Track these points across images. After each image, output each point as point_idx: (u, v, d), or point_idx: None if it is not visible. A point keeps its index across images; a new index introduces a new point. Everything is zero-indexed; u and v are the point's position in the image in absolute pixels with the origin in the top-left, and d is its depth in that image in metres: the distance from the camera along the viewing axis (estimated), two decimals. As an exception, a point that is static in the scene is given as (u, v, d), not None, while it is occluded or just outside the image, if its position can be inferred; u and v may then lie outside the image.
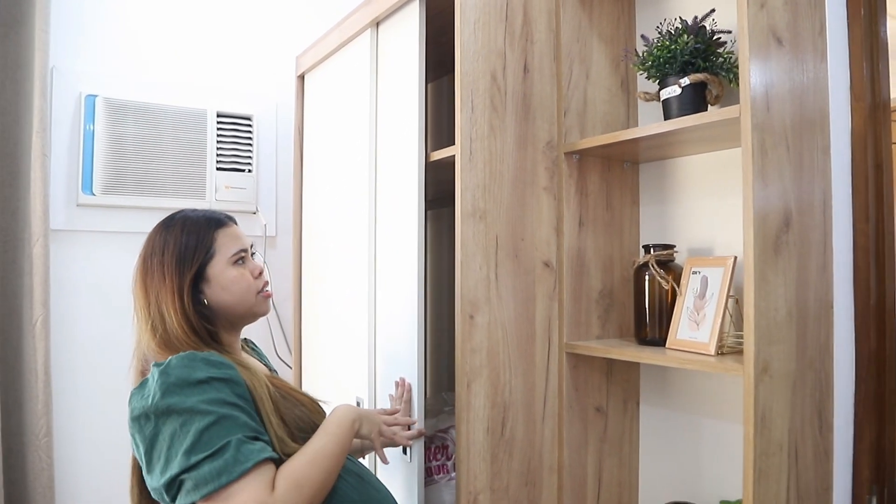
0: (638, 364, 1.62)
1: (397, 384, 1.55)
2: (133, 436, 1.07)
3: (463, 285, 1.38)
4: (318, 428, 1.18)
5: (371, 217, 1.73)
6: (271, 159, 2.50)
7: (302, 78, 2.22)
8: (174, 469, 0.99)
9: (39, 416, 2.09)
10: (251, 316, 1.29)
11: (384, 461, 1.36)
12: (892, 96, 1.39)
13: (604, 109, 1.58)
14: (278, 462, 1.05)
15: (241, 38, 2.48)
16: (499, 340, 1.43)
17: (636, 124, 1.63)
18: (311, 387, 2.10)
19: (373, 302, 1.72)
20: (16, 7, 2.12)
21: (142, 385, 1.09)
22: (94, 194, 2.20)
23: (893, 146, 1.43)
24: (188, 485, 0.99)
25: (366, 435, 1.29)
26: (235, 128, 2.39)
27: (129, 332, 2.20)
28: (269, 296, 1.30)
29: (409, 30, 1.58)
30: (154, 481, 1.03)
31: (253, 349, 1.49)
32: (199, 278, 1.21)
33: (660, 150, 1.52)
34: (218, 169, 2.35)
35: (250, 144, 2.42)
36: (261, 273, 1.29)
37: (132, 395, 1.10)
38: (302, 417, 1.20)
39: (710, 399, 1.48)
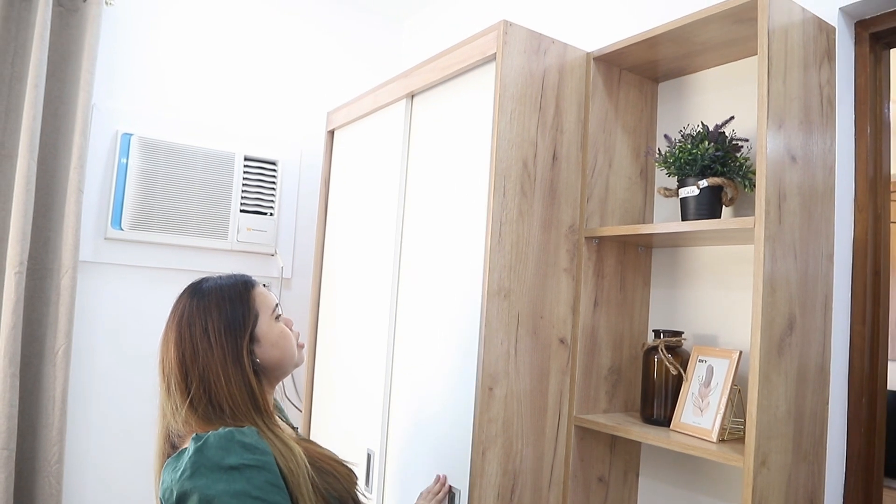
0: (640, 438, 1.70)
1: (438, 477, 1.59)
2: (161, 502, 1.08)
3: (485, 359, 1.47)
4: (352, 501, 1.20)
5: (395, 272, 1.83)
6: (292, 204, 2.59)
7: (332, 133, 2.32)
8: None
9: (53, 443, 2.14)
10: (292, 367, 1.29)
11: None
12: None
13: (623, 196, 1.69)
14: None
15: (272, 87, 2.59)
16: (514, 411, 1.51)
17: (652, 212, 1.74)
18: (319, 431, 2.17)
19: (391, 357, 1.81)
20: (64, 46, 2.22)
21: (178, 456, 1.09)
22: (122, 229, 2.28)
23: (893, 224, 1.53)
24: None
25: None
26: (261, 172, 2.49)
27: (147, 366, 2.28)
28: (303, 345, 1.33)
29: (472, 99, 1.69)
30: None
31: (275, 406, 1.47)
32: (253, 339, 1.21)
33: (673, 240, 1.62)
34: (241, 211, 2.44)
35: (273, 189, 2.52)
36: (293, 325, 1.31)
37: (167, 464, 1.10)
38: (339, 490, 1.20)
39: (707, 479, 1.57)
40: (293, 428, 1.45)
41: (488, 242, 1.49)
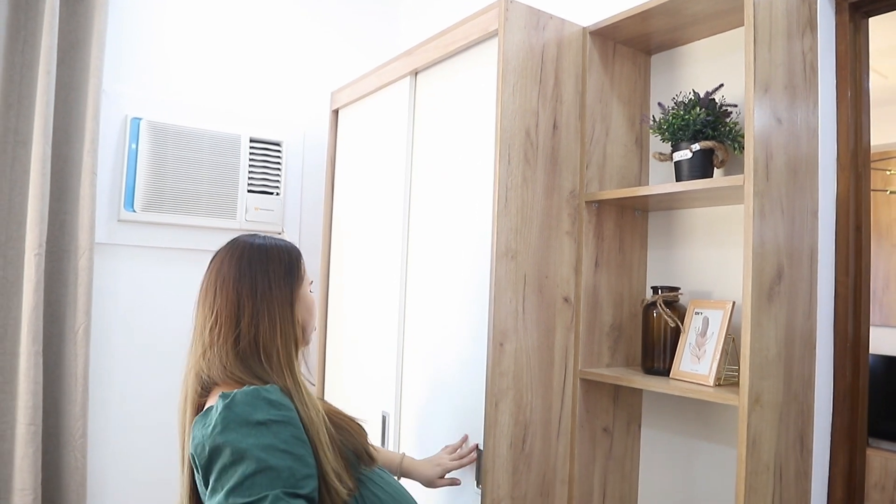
0: (641, 391, 1.81)
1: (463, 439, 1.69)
2: (192, 456, 1.14)
3: (495, 316, 1.57)
4: (365, 452, 1.28)
5: (404, 240, 1.94)
6: (297, 183, 2.67)
7: (336, 112, 2.40)
8: (215, 501, 1.07)
9: (77, 419, 2.23)
10: (308, 340, 1.37)
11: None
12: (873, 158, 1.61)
13: (620, 163, 1.79)
14: None
15: (275, 69, 2.66)
16: (523, 365, 1.62)
17: (647, 177, 1.84)
18: (334, 399, 2.27)
19: (402, 321, 1.91)
20: (73, 33, 2.28)
21: (205, 413, 1.15)
22: (135, 210, 2.36)
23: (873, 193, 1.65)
24: None
25: None
26: (266, 153, 2.57)
27: (161, 343, 2.37)
28: (314, 329, 1.39)
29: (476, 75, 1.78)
30: (205, 501, 1.12)
31: None
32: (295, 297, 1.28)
33: (668, 202, 1.72)
34: (249, 191, 2.52)
35: (279, 169, 2.59)
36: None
37: (196, 421, 1.16)
38: (353, 443, 1.28)
39: (704, 424, 1.68)
40: None
41: (495, 207, 1.58)
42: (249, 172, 2.53)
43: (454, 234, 1.77)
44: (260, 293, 1.23)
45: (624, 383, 1.60)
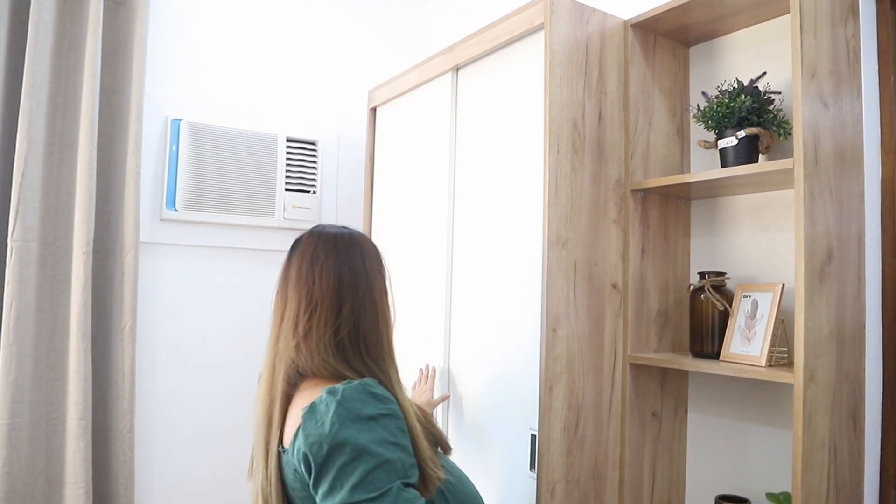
0: (687, 375, 1.84)
1: (421, 370, 1.97)
2: (304, 454, 1.13)
3: (548, 303, 1.60)
4: (443, 440, 1.33)
5: (449, 232, 2.00)
6: (332, 182, 2.71)
7: (373, 110, 2.44)
8: (338, 499, 1.08)
9: (124, 414, 2.27)
10: None
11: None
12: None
13: (662, 153, 1.82)
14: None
15: (309, 69, 2.71)
16: (575, 351, 1.65)
17: (689, 166, 1.87)
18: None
19: (449, 314, 1.94)
20: (115, 38, 2.34)
21: (313, 410, 1.14)
22: (176, 210, 2.40)
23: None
24: None
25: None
26: (302, 152, 2.61)
27: (202, 340, 2.41)
28: None
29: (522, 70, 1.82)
30: (318, 498, 1.12)
31: None
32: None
33: (711, 189, 1.76)
34: (286, 189, 2.56)
35: (315, 168, 2.64)
36: None
37: (305, 417, 1.14)
38: (436, 434, 1.32)
39: (751, 406, 1.71)
40: None
41: (546, 196, 1.62)
42: (287, 171, 2.57)
43: (500, 224, 1.80)
44: (364, 283, 1.23)
45: (675, 366, 1.64)
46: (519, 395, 1.70)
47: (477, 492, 1.38)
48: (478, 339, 1.87)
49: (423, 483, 1.18)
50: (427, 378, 1.98)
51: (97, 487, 2.24)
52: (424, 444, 1.20)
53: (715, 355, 1.65)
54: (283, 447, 1.21)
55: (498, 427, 1.76)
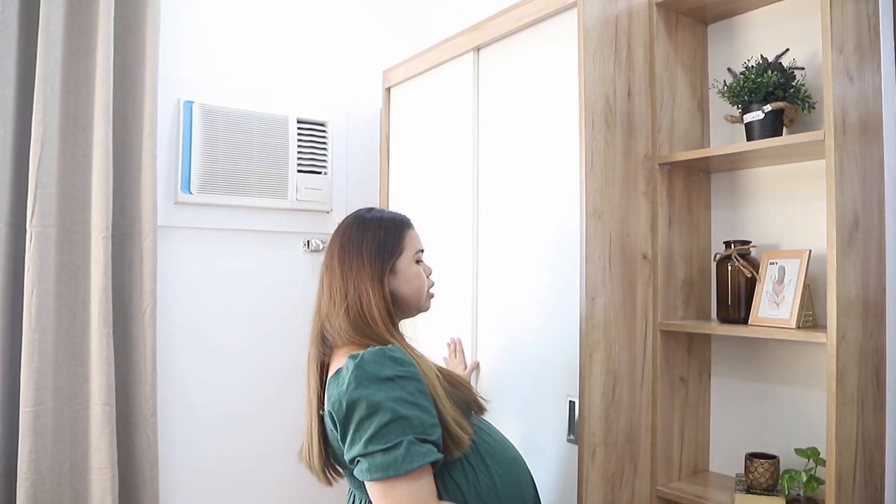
0: (710, 341, 1.92)
1: (448, 345, 2.03)
2: (330, 413, 1.26)
3: (587, 272, 1.66)
4: (475, 402, 1.43)
5: (474, 210, 2.05)
6: (342, 163, 2.72)
7: (388, 90, 2.46)
8: (355, 451, 1.21)
9: (147, 398, 2.26)
10: (416, 310, 1.48)
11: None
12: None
13: (685, 128, 1.89)
14: (442, 459, 1.25)
15: (319, 51, 2.71)
16: (611, 319, 1.71)
17: (708, 141, 1.94)
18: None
19: (475, 289, 2.00)
20: (127, 19, 2.30)
21: (337, 374, 1.27)
22: (191, 193, 2.39)
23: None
24: (363, 466, 1.20)
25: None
26: (313, 133, 2.62)
27: (219, 322, 2.41)
28: (433, 296, 1.52)
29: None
30: (343, 453, 1.26)
31: None
32: (393, 269, 1.41)
33: (732, 162, 1.83)
34: (298, 171, 2.57)
35: (325, 149, 2.65)
36: (430, 274, 1.50)
37: (329, 382, 1.29)
38: (464, 394, 1.41)
39: (773, 369, 1.80)
40: None
41: (582, 170, 1.67)
42: (298, 153, 2.57)
43: (530, 198, 1.85)
44: (355, 270, 1.38)
45: (707, 331, 1.71)
46: (556, 363, 1.76)
47: (518, 454, 1.46)
48: (506, 312, 1.92)
49: (453, 443, 1.28)
50: (456, 352, 2.02)
51: (122, 472, 2.23)
52: (448, 406, 1.30)
53: (742, 320, 1.73)
54: (322, 410, 1.35)
55: (534, 395, 1.81)
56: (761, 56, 1.72)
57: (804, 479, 1.59)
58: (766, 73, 1.66)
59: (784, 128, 1.70)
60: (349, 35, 2.79)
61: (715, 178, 1.95)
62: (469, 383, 1.51)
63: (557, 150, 1.77)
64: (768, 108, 1.66)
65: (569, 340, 1.70)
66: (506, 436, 1.51)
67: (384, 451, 1.18)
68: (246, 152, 2.47)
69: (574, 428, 1.69)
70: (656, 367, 1.80)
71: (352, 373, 1.23)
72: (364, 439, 1.20)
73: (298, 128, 2.59)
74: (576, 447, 1.69)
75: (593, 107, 1.69)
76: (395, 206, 2.43)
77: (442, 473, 1.28)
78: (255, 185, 2.49)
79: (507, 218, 1.93)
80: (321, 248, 2.65)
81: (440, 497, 1.26)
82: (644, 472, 1.79)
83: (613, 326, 1.72)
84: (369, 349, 1.27)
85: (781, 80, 1.65)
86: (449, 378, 1.40)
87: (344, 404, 1.22)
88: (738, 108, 1.76)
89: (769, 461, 1.65)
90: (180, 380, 2.41)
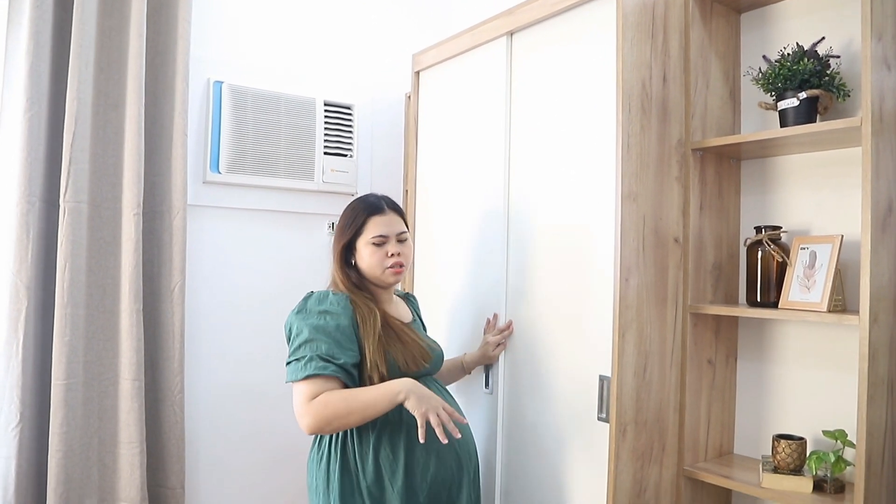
0: (737, 325, 1.95)
1: (488, 320, 2.09)
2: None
3: (622, 253, 1.69)
4: (415, 361, 1.72)
5: (505, 194, 2.07)
6: (367, 146, 2.74)
7: (417, 74, 2.48)
8: (287, 357, 1.66)
9: (175, 374, 2.29)
10: (377, 281, 1.79)
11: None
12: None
13: (718, 114, 1.91)
14: (343, 377, 1.61)
15: (346, 34, 2.73)
16: (643, 300, 1.74)
17: (739, 127, 1.97)
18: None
19: (506, 268, 2.02)
20: (158, -2, 2.32)
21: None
22: (220, 172, 2.41)
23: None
24: (287, 369, 1.64)
25: (411, 409, 1.60)
26: (339, 116, 2.64)
27: (245, 300, 2.44)
28: (396, 273, 1.77)
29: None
30: None
31: (411, 302, 2.03)
32: (352, 246, 1.78)
33: (763, 149, 1.86)
34: (325, 153, 2.59)
35: (351, 132, 2.67)
36: (393, 255, 1.76)
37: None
38: (402, 356, 1.71)
39: (799, 352, 1.82)
40: (418, 319, 1.93)
41: (619, 153, 1.69)
42: (325, 135, 2.59)
43: (563, 180, 1.88)
44: (332, 244, 1.82)
45: (738, 314, 1.74)
46: (587, 341, 1.79)
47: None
48: (536, 289, 1.95)
49: (369, 380, 1.65)
50: (493, 326, 2.07)
51: (149, 447, 2.26)
52: (373, 348, 1.66)
53: (772, 304, 1.76)
54: None
55: (564, 372, 1.84)
56: (797, 44, 1.74)
57: (832, 459, 1.62)
58: (802, 60, 1.68)
59: (818, 115, 1.73)
60: (376, 18, 2.80)
61: (745, 164, 1.97)
62: (426, 354, 1.78)
63: (591, 134, 1.80)
64: (803, 95, 1.68)
65: (600, 320, 1.73)
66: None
67: (295, 361, 1.62)
68: (274, 133, 2.49)
69: (604, 406, 1.72)
70: (685, 348, 1.83)
71: (298, 305, 1.71)
72: (290, 351, 1.66)
73: (325, 110, 2.61)
74: (605, 425, 1.72)
75: (630, 91, 1.72)
76: (424, 190, 2.45)
77: None
78: (282, 166, 2.52)
79: (538, 199, 1.96)
80: (345, 230, 2.67)
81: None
82: (671, 451, 1.82)
83: (645, 307, 1.75)
84: (317, 291, 1.74)
85: (817, 68, 1.68)
86: (401, 337, 1.75)
87: (287, 326, 1.70)
88: (771, 95, 1.78)
89: (797, 442, 1.68)
90: (206, 356, 2.43)
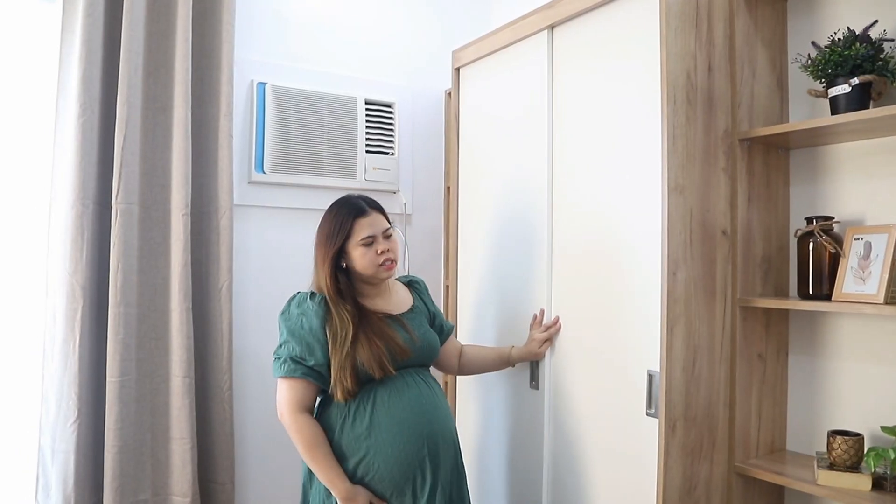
0: (788, 318, 1.91)
1: (535, 315, 2.08)
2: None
3: (669, 246, 1.66)
4: (382, 365, 1.73)
5: (549, 189, 2.06)
6: (408, 144, 2.76)
7: (457, 70, 2.48)
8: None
9: (223, 372, 2.34)
10: (374, 279, 1.84)
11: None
12: None
13: (764, 103, 1.87)
14: (313, 378, 1.74)
15: (386, 32, 2.75)
16: (691, 294, 1.72)
17: (787, 116, 1.93)
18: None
19: (550, 263, 2.02)
20: (202, 2, 2.36)
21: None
22: (264, 172, 2.45)
23: None
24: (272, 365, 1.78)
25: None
26: (380, 114, 2.66)
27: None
28: (389, 268, 1.83)
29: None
30: None
31: (415, 288, 2.03)
32: (343, 251, 1.80)
33: (812, 138, 1.81)
34: (367, 152, 2.61)
35: (392, 130, 2.68)
36: (384, 252, 1.80)
37: None
38: (370, 358, 1.72)
39: (853, 345, 1.77)
40: (426, 304, 1.99)
41: (665, 145, 1.67)
42: (367, 133, 2.61)
43: (608, 173, 1.86)
44: (315, 256, 1.86)
45: (790, 307, 1.70)
46: (634, 336, 1.77)
47: (420, 420, 1.75)
48: (582, 285, 1.94)
49: (334, 386, 1.73)
50: (539, 323, 2.07)
51: (199, 443, 2.31)
52: (339, 358, 1.71)
53: (825, 297, 1.71)
54: None
55: (611, 368, 1.83)
56: (847, 28, 1.69)
57: (892, 456, 1.57)
58: (854, 45, 1.64)
59: (871, 101, 1.68)
60: (415, 16, 2.81)
61: (794, 154, 1.93)
62: (404, 351, 1.79)
63: (635, 126, 1.77)
64: (855, 81, 1.64)
65: (648, 314, 1.71)
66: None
67: (275, 359, 1.78)
68: (316, 132, 2.52)
69: (653, 401, 1.70)
70: (735, 343, 1.80)
71: (285, 304, 1.83)
72: (276, 348, 1.80)
73: (367, 109, 2.63)
74: (654, 421, 1.70)
75: (675, 82, 1.69)
76: (465, 186, 2.45)
77: (327, 403, 1.79)
78: (325, 165, 2.54)
79: (583, 193, 1.94)
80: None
81: (318, 413, 1.81)
82: (722, 447, 1.79)
83: (693, 301, 1.72)
84: (300, 293, 1.83)
85: (870, 52, 1.63)
86: (375, 335, 1.76)
87: (278, 319, 1.83)
88: (821, 82, 1.74)
89: (854, 438, 1.64)
90: (254, 354, 2.47)
